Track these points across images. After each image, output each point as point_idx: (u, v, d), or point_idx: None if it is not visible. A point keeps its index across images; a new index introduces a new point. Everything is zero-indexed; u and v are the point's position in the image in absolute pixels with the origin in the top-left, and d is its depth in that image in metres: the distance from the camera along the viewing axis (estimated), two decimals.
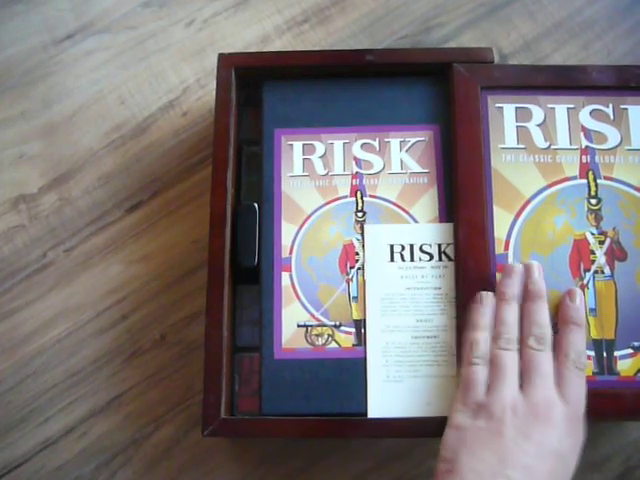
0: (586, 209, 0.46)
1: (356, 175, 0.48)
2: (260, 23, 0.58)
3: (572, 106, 0.47)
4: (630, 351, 0.43)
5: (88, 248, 0.53)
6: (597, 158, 0.46)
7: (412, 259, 0.46)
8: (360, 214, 0.47)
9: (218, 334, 0.44)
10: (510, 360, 0.41)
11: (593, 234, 0.45)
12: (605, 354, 0.43)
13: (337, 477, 0.48)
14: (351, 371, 0.45)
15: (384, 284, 0.46)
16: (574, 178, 0.46)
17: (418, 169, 0.48)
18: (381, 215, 0.47)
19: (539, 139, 0.47)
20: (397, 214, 0.47)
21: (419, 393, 0.44)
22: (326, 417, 0.43)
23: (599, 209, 0.45)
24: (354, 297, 0.46)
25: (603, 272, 0.45)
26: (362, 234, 0.47)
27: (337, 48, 0.57)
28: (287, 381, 0.45)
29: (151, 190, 0.54)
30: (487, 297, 0.43)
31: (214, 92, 0.49)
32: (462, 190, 0.45)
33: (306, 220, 0.47)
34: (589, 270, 0.45)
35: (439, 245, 0.46)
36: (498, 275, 0.44)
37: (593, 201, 0.46)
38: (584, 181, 0.46)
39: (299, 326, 0.46)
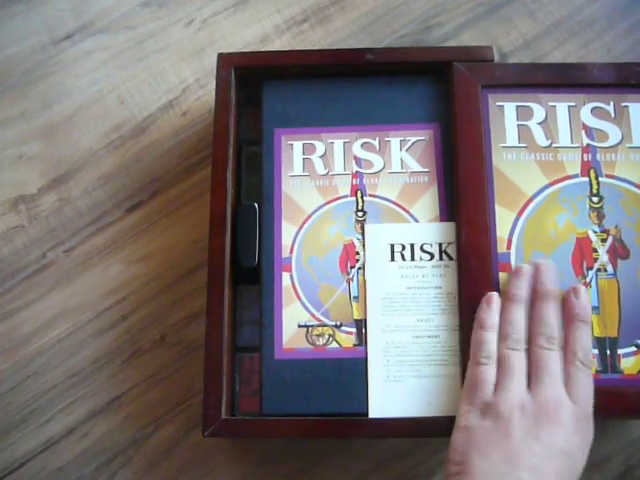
0: (588, 207, 0.46)
1: (356, 174, 0.48)
2: (259, 23, 0.58)
3: (573, 104, 0.47)
4: (633, 349, 0.43)
5: (88, 248, 0.53)
6: (598, 156, 0.46)
7: (413, 258, 0.46)
8: (360, 214, 0.47)
9: (218, 334, 0.44)
10: (518, 360, 0.41)
11: (595, 232, 0.45)
12: (608, 352, 0.43)
13: (338, 477, 0.48)
14: (352, 371, 0.44)
15: (385, 284, 0.46)
16: (576, 176, 0.46)
17: (418, 168, 0.48)
18: (381, 215, 0.47)
19: (540, 137, 0.47)
20: (397, 213, 0.47)
21: (420, 393, 0.44)
22: (327, 417, 0.43)
23: (601, 207, 0.45)
24: (355, 297, 0.46)
25: (606, 270, 0.44)
26: (362, 234, 0.47)
27: (337, 47, 0.57)
28: (288, 381, 0.45)
29: (151, 190, 0.54)
30: (495, 298, 0.43)
31: (214, 92, 0.49)
32: (464, 189, 0.45)
33: (306, 220, 0.47)
34: (592, 268, 0.45)
35: (440, 244, 0.46)
36: (501, 275, 0.44)
37: (595, 199, 0.46)
38: (586, 179, 0.46)
39: (300, 326, 0.46)
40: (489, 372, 0.41)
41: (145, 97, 0.56)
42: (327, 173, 0.48)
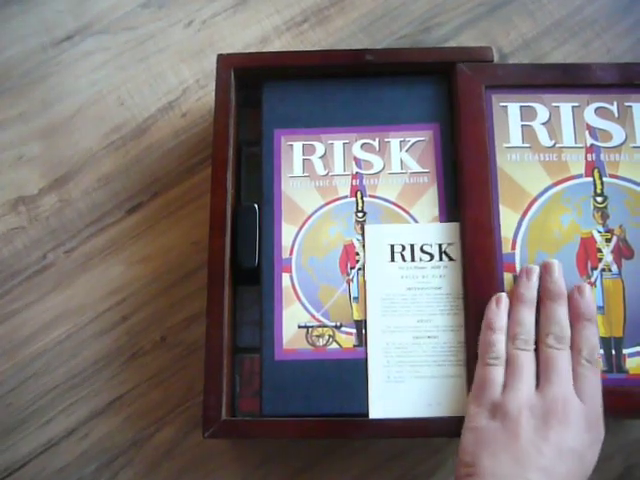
0: (592, 207, 0.46)
1: (356, 175, 0.48)
2: (259, 24, 0.58)
3: (577, 104, 0.47)
4: (639, 349, 0.43)
5: (88, 249, 0.53)
6: (602, 156, 0.46)
7: (413, 259, 0.46)
8: (360, 214, 0.47)
9: (218, 335, 0.44)
10: (527, 360, 0.41)
11: (600, 232, 0.45)
12: (614, 352, 0.43)
13: (338, 478, 0.48)
14: (352, 372, 0.44)
15: (385, 284, 0.46)
16: (580, 176, 0.46)
17: (418, 169, 0.48)
18: (381, 215, 0.47)
19: (544, 138, 0.47)
20: (397, 214, 0.47)
21: (420, 393, 0.44)
22: (327, 418, 0.43)
23: (605, 207, 0.45)
24: (355, 297, 0.46)
25: (610, 270, 0.45)
26: (362, 234, 0.47)
27: (336, 48, 0.57)
28: (288, 382, 0.45)
29: (151, 191, 0.54)
30: (503, 299, 0.43)
31: (213, 93, 0.49)
32: (468, 190, 0.45)
33: (306, 220, 0.47)
34: (596, 268, 0.45)
35: (440, 245, 0.46)
36: (506, 275, 0.44)
37: (599, 199, 0.46)
38: (590, 179, 0.46)
39: (300, 327, 0.46)
40: (498, 373, 0.41)
41: (145, 98, 0.56)
42: (327, 174, 0.48)
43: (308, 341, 0.45)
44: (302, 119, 0.49)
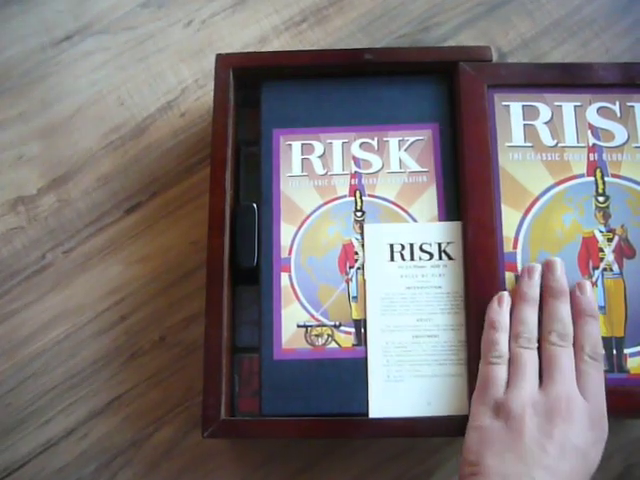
0: (594, 207, 0.46)
1: (355, 175, 0.48)
2: (258, 23, 0.58)
3: (579, 104, 0.47)
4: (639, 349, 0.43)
5: (87, 249, 0.53)
6: (604, 156, 0.46)
7: (412, 258, 0.46)
8: (359, 214, 0.47)
9: (218, 335, 0.44)
10: (530, 358, 0.41)
11: (601, 232, 0.45)
12: (615, 352, 0.43)
13: (337, 477, 0.48)
14: (351, 371, 0.44)
15: (384, 283, 0.46)
16: (582, 176, 0.46)
17: (417, 168, 0.48)
18: (380, 214, 0.47)
19: (546, 137, 0.47)
20: (396, 213, 0.47)
21: (420, 393, 0.44)
22: (326, 417, 0.43)
23: (607, 207, 0.45)
24: (354, 297, 0.46)
25: (612, 270, 0.45)
26: (361, 234, 0.47)
27: (335, 48, 0.57)
28: (287, 382, 0.45)
29: (150, 191, 0.54)
30: (505, 297, 0.43)
31: (212, 93, 0.49)
32: (470, 189, 0.45)
33: (305, 220, 0.47)
34: (598, 268, 0.45)
35: (439, 244, 0.46)
36: (508, 274, 0.44)
37: (601, 199, 0.46)
38: (592, 179, 0.46)
39: (299, 326, 0.46)
40: (500, 371, 0.41)
41: (144, 98, 0.56)
42: (326, 173, 0.48)
43: (307, 341, 0.45)
44: (301, 119, 0.49)
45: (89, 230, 0.53)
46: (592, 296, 0.43)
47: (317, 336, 0.45)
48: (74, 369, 0.50)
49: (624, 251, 0.45)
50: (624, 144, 0.47)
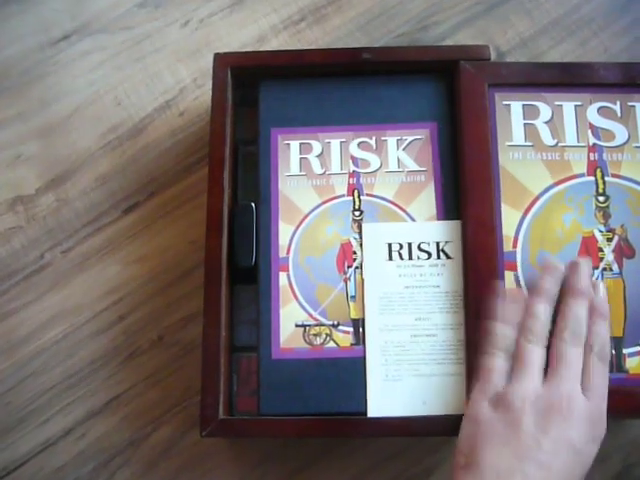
0: (594, 207, 0.46)
1: (353, 174, 0.48)
2: (256, 23, 0.58)
3: (579, 103, 0.47)
4: (639, 349, 0.43)
5: (85, 249, 0.53)
6: (605, 155, 0.46)
7: (410, 257, 0.46)
8: (357, 213, 0.47)
9: (216, 334, 0.44)
10: (536, 354, 0.40)
11: (601, 231, 0.45)
12: (614, 352, 0.43)
13: (336, 476, 0.48)
14: (349, 370, 0.44)
15: (382, 283, 0.46)
16: (582, 175, 0.46)
17: (415, 167, 0.48)
18: (378, 214, 0.47)
19: (547, 136, 0.47)
20: (394, 213, 0.47)
21: (419, 392, 0.44)
22: (324, 417, 0.43)
23: (607, 206, 0.45)
24: (352, 296, 0.46)
25: (611, 269, 0.45)
26: (359, 233, 0.47)
27: (333, 47, 0.57)
28: (285, 381, 0.45)
29: (148, 191, 0.54)
30: (517, 293, 0.43)
31: (210, 92, 0.48)
32: (470, 188, 0.45)
33: (303, 219, 0.47)
34: (597, 268, 0.45)
35: (437, 243, 0.46)
36: (507, 273, 0.44)
37: (601, 198, 0.46)
38: (592, 178, 0.46)
39: (297, 326, 0.46)
40: (502, 363, 0.40)
41: (142, 98, 0.56)
42: (324, 172, 0.48)
43: (305, 340, 0.45)
44: (299, 118, 0.49)
45: (87, 230, 0.53)
46: (605, 297, 0.42)
47: (315, 335, 0.45)
48: (72, 369, 0.50)
49: (624, 251, 0.45)
50: (624, 144, 0.47)
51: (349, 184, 0.48)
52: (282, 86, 0.50)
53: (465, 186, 0.46)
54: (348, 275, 0.46)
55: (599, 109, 0.47)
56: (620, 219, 0.45)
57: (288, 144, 0.49)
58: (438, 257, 0.46)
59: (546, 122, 0.47)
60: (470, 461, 0.38)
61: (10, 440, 0.49)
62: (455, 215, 0.47)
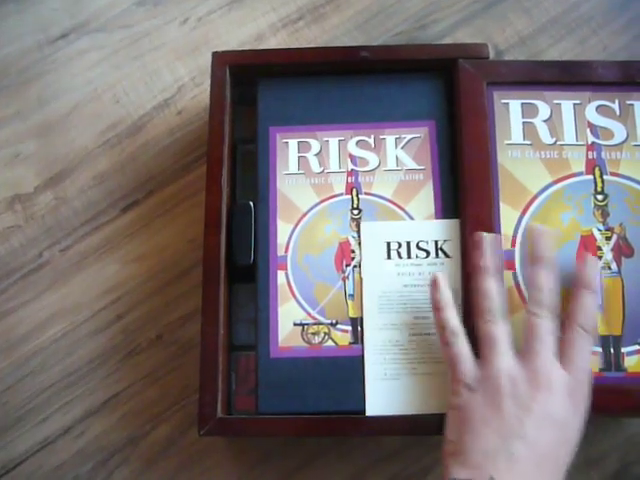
0: (592, 205, 0.45)
1: (351, 172, 0.48)
2: (255, 21, 0.58)
3: (578, 102, 0.47)
4: (637, 347, 0.43)
5: (83, 248, 0.53)
6: (603, 154, 0.46)
7: (409, 256, 0.46)
8: (356, 212, 0.47)
9: (214, 333, 0.44)
10: (499, 331, 0.40)
11: (600, 230, 0.45)
12: (612, 350, 0.43)
13: (334, 475, 0.48)
14: (348, 369, 0.44)
15: (381, 281, 0.46)
16: (580, 174, 0.46)
17: (413, 166, 0.48)
18: (377, 212, 0.47)
19: (545, 135, 0.47)
20: (393, 211, 0.47)
21: (417, 390, 0.44)
22: (323, 415, 0.43)
23: (605, 205, 0.45)
24: (350, 295, 0.46)
25: (610, 268, 0.44)
26: (358, 232, 0.47)
27: (332, 45, 0.57)
28: (283, 380, 0.45)
29: (146, 189, 0.54)
30: (440, 276, 0.43)
31: (209, 90, 0.48)
32: (468, 186, 0.45)
33: (302, 218, 0.47)
34: None
35: (436, 242, 0.46)
36: (506, 272, 0.44)
37: (599, 197, 0.46)
38: (590, 177, 0.46)
39: (295, 324, 0.46)
40: (462, 347, 0.40)
41: (140, 96, 0.56)
42: (322, 171, 0.48)
43: (304, 339, 0.45)
44: (297, 116, 0.49)
45: (85, 228, 0.53)
46: (594, 270, 0.42)
47: (314, 334, 0.45)
48: (71, 367, 0.50)
49: (622, 250, 0.45)
50: (623, 142, 0.47)
51: (347, 183, 0.48)
52: (280, 85, 0.50)
53: (464, 185, 0.45)
54: (346, 274, 0.46)
55: (598, 107, 0.47)
56: (619, 218, 0.45)
57: (286, 142, 0.49)
58: (437, 256, 0.46)
59: (545, 120, 0.47)
60: (456, 448, 0.38)
61: (9, 439, 0.49)
62: (453, 214, 0.47)
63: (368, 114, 0.49)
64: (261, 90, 0.50)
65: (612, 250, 0.45)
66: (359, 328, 0.45)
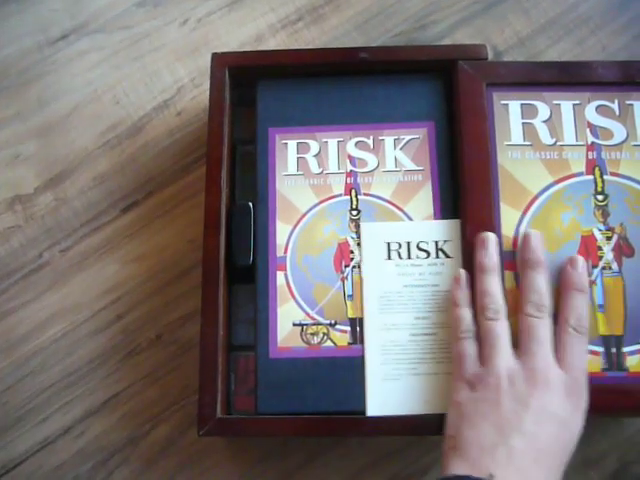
0: (593, 205, 0.46)
1: (350, 173, 0.48)
2: (254, 22, 0.58)
3: (578, 102, 0.47)
4: (639, 347, 0.43)
5: (83, 248, 0.53)
6: (603, 154, 0.46)
7: (409, 257, 0.46)
8: (355, 212, 0.47)
9: (213, 333, 0.44)
10: (500, 329, 0.41)
11: (600, 230, 0.45)
12: (614, 350, 0.43)
13: (334, 475, 0.48)
14: (346, 369, 0.45)
15: (381, 282, 0.46)
16: (580, 174, 0.46)
17: (412, 167, 0.48)
18: (375, 213, 0.47)
19: (545, 135, 0.47)
20: (391, 212, 0.47)
21: (417, 391, 0.44)
22: (322, 415, 0.43)
23: (606, 205, 0.45)
24: (349, 295, 0.46)
25: (611, 268, 0.45)
26: (357, 232, 0.47)
27: (331, 46, 0.57)
28: (283, 380, 0.45)
29: (146, 190, 0.54)
30: (463, 274, 0.43)
31: (208, 91, 0.49)
32: (469, 187, 0.45)
33: (301, 219, 0.47)
34: (597, 266, 0.45)
35: (436, 242, 0.46)
36: (507, 273, 0.44)
37: (600, 197, 0.46)
38: (590, 177, 0.46)
39: (294, 325, 0.46)
40: (471, 345, 0.41)
41: (140, 97, 0.56)
42: (321, 172, 0.48)
43: (303, 339, 0.45)
44: (296, 117, 0.49)
45: (85, 229, 0.53)
46: (584, 272, 0.42)
47: (313, 334, 0.45)
48: (71, 367, 0.50)
49: (623, 249, 0.45)
50: (623, 142, 0.47)
51: (346, 183, 0.48)
52: (280, 86, 0.50)
53: (464, 186, 0.46)
54: (345, 274, 0.46)
55: (597, 108, 0.47)
56: (619, 218, 0.45)
57: (286, 143, 0.49)
58: (437, 256, 0.46)
59: (544, 121, 0.47)
60: (456, 443, 0.38)
61: (9, 438, 0.49)
62: (452, 215, 0.47)
63: (367, 115, 0.49)
64: (260, 91, 0.50)
65: (613, 250, 0.45)
66: (358, 328, 0.45)
